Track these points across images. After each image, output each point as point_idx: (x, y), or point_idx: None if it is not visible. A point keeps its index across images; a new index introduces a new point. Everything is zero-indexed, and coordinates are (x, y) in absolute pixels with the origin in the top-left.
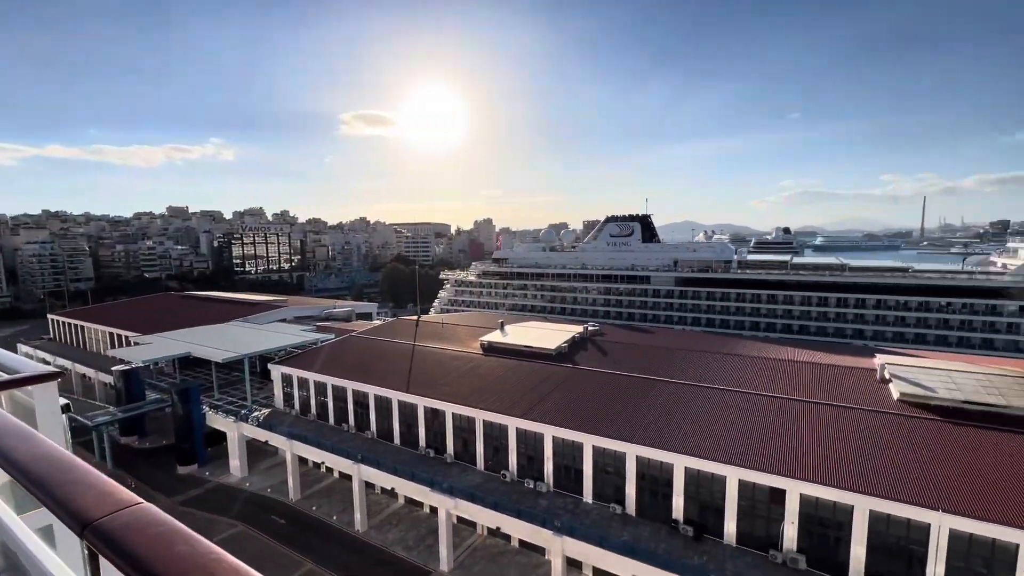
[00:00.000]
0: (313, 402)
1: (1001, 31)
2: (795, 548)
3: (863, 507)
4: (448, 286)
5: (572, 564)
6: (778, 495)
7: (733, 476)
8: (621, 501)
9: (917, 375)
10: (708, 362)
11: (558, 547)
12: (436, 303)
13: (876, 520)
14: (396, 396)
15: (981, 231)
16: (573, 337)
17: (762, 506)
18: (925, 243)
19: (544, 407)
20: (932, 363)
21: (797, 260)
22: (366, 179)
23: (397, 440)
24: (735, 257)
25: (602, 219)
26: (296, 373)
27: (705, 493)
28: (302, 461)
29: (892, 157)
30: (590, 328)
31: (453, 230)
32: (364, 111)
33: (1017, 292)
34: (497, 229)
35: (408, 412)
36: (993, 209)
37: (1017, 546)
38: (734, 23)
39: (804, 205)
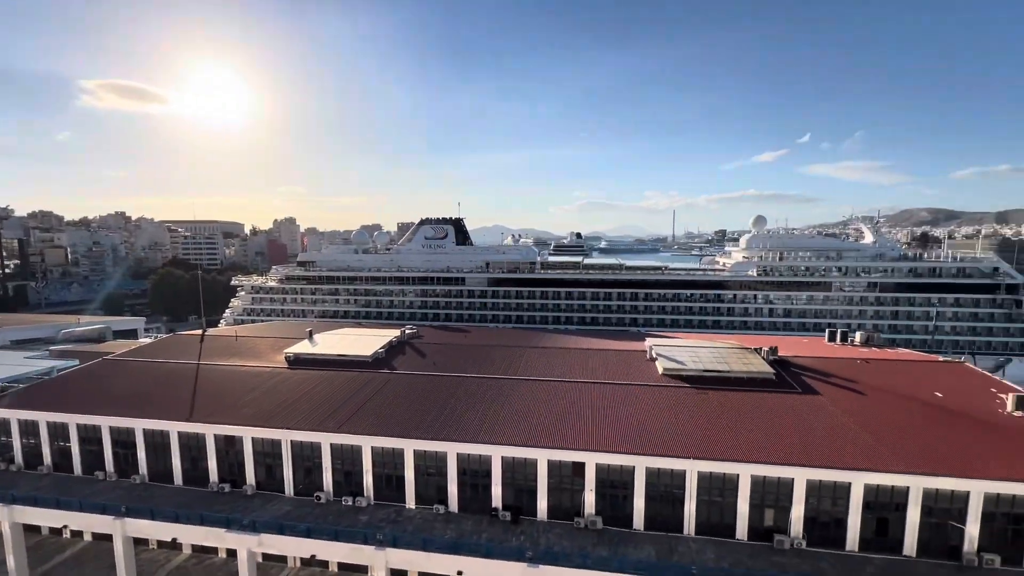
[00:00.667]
0: (46, 450)
1: (745, 80)
2: (594, 512)
3: (641, 466)
4: (243, 293)
5: (398, 574)
6: (579, 468)
7: (543, 458)
8: (444, 500)
9: (673, 352)
10: (518, 356)
11: (381, 561)
12: (228, 314)
13: (650, 475)
14: (175, 427)
15: (710, 237)
16: (391, 342)
17: (567, 480)
18: (675, 247)
19: (362, 417)
20: (683, 342)
21: (588, 261)
22: (123, 165)
23: (179, 480)
24: (538, 259)
25: (416, 222)
26: (15, 416)
27: (520, 478)
28: (30, 530)
29: (652, 177)
30: (408, 331)
31: (247, 230)
32: (119, 80)
33: (733, 284)
34: (302, 230)
35: (193, 444)
36: (717, 221)
37: (737, 475)
38: (536, 48)
39: (592, 213)
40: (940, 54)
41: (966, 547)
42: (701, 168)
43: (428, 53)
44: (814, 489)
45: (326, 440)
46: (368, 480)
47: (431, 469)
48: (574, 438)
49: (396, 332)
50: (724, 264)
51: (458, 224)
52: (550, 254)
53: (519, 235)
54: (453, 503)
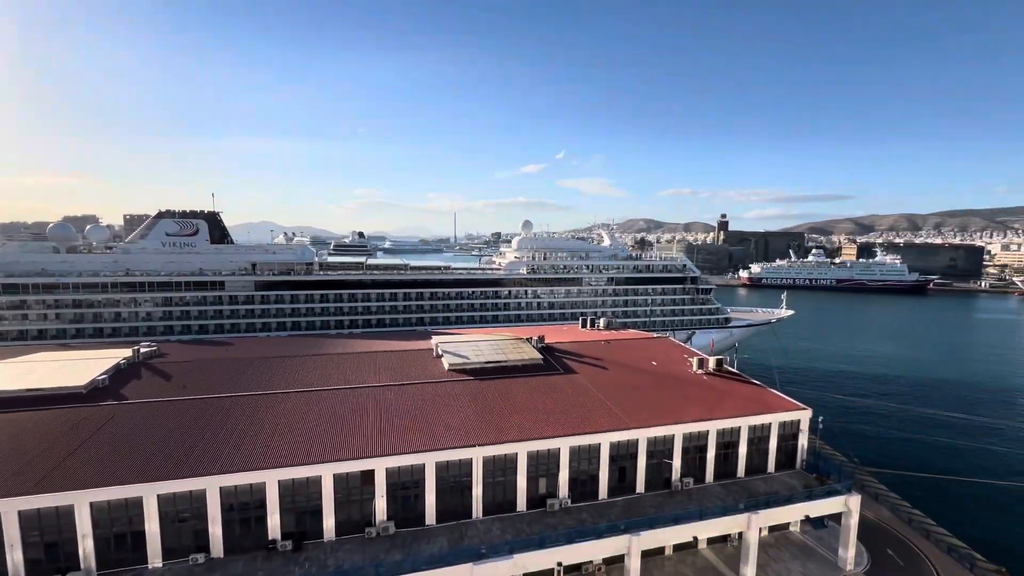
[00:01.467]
0: None
1: (515, 100)
2: (386, 518)
3: (432, 462)
4: None
5: None
6: (368, 476)
7: (328, 473)
8: (204, 547)
9: (458, 348)
10: (293, 366)
11: None
12: None
13: (440, 469)
14: None
15: (487, 239)
16: (117, 365)
17: (356, 491)
18: (458, 247)
19: (73, 467)
20: (466, 337)
21: (372, 261)
22: None
23: None
24: (316, 259)
25: (153, 215)
26: None
27: (302, 500)
28: None
29: (435, 180)
30: (143, 350)
31: None
32: None
33: (508, 281)
34: None
35: None
36: (493, 223)
37: (516, 454)
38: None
39: (376, 213)
40: (655, 96)
41: (674, 477)
42: (479, 175)
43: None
44: (575, 454)
45: (11, 507)
46: (86, 547)
47: (185, 514)
48: (361, 446)
49: (126, 352)
50: (500, 264)
51: (212, 218)
52: (329, 254)
53: (293, 233)
54: (217, 547)
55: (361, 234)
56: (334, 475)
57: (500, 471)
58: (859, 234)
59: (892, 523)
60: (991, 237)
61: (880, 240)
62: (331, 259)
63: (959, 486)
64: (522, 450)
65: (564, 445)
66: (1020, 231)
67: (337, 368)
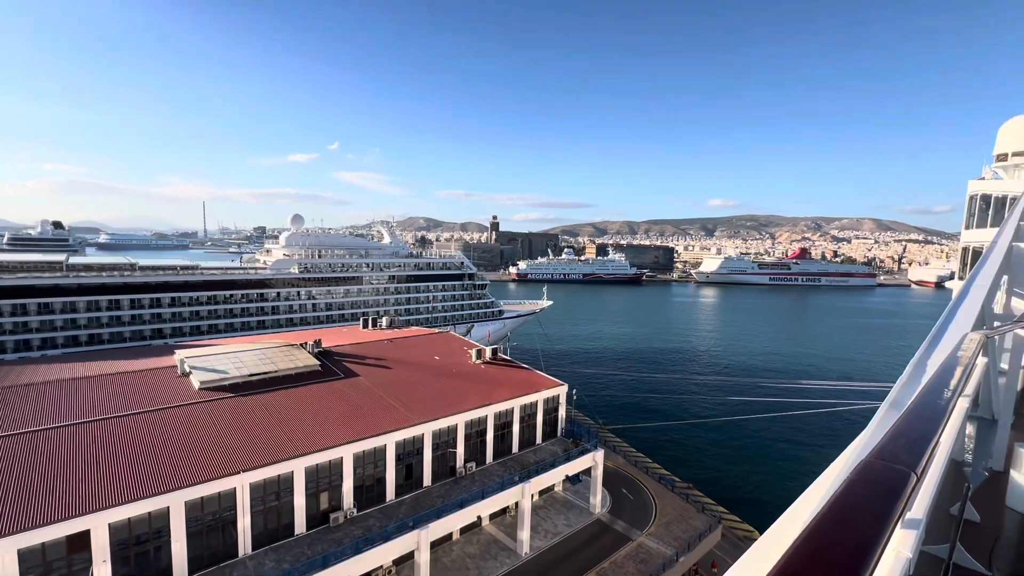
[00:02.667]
0: None
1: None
2: None
3: (178, 502)
4: None
5: None
6: (80, 542)
7: (10, 549)
8: None
9: (212, 362)
10: None
11: None
12: None
13: (192, 508)
14: None
15: (249, 234)
16: None
17: (60, 564)
18: (209, 243)
19: None
20: (224, 348)
21: (77, 260)
22: None
23: None
24: None
25: None
26: None
27: None
28: None
29: (166, 158)
30: None
31: None
32: None
33: (276, 282)
34: None
35: None
36: (256, 217)
37: (292, 472)
38: None
39: (80, 196)
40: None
41: (458, 464)
42: (234, 159)
43: None
44: (360, 460)
45: None
46: None
47: None
48: (66, 504)
49: None
50: (265, 262)
51: None
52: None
53: None
54: None
55: (58, 224)
56: (18, 552)
57: (273, 495)
58: (597, 236)
59: (625, 468)
60: (677, 240)
61: (611, 241)
62: (6, 257)
63: (671, 430)
64: (298, 466)
65: (347, 453)
66: (693, 235)
67: (27, 405)
